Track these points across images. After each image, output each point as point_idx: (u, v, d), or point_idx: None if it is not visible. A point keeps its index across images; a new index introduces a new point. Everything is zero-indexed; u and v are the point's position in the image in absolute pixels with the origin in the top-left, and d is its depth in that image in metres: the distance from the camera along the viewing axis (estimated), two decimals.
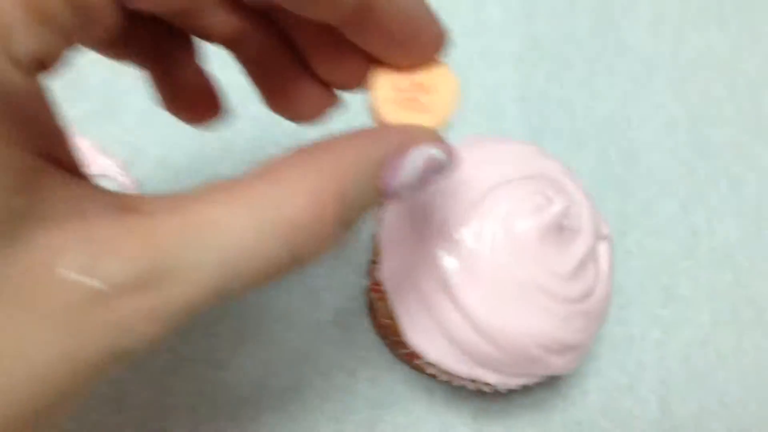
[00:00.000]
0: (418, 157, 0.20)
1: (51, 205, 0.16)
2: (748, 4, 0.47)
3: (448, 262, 0.28)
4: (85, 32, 0.17)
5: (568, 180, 0.30)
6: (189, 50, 0.24)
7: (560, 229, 0.28)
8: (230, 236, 0.17)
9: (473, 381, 0.31)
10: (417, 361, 0.31)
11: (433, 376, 0.32)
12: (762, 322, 0.39)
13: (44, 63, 0.16)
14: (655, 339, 0.38)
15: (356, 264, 0.36)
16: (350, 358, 0.35)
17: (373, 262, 0.32)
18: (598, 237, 0.30)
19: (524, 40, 0.43)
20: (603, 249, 0.30)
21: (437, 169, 0.20)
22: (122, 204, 0.17)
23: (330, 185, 0.18)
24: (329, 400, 0.34)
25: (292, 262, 0.18)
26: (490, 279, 0.27)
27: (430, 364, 0.30)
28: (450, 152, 0.21)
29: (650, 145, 0.42)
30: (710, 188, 0.41)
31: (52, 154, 0.17)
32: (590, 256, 0.29)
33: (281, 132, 0.38)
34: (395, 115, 0.21)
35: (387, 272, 0.30)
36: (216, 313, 0.34)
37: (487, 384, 0.31)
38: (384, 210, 0.31)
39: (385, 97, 0.21)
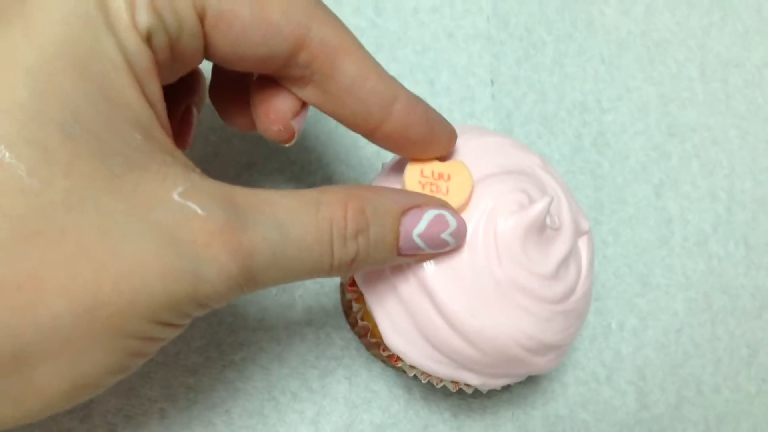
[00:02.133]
0: (434, 214, 0.25)
1: (161, 148, 0.20)
2: None
3: (427, 263, 0.27)
4: (175, 53, 0.22)
5: (547, 176, 0.29)
6: (193, 90, 0.28)
7: (542, 229, 0.27)
8: (282, 210, 0.21)
9: (454, 382, 0.30)
10: (397, 364, 0.30)
11: (414, 378, 0.31)
12: (735, 309, 0.39)
13: (152, 47, 0.21)
14: (632, 328, 0.38)
15: None
16: (325, 358, 0.34)
17: None
18: (579, 233, 0.29)
19: (492, 19, 0.42)
20: (583, 245, 0.30)
21: (447, 231, 0.25)
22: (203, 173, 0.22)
23: (356, 202, 0.23)
24: (305, 401, 0.33)
25: (326, 238, 0.22)
26: (470, 280, 0.26)
27: (411, 366, 0.29)
28: (461, 224, 0.26)
29: (622, 129, 0.41)
30: (683, 172, 0.41)
31: (157, 112, 0.21)
32: (571, 254, 0.28)
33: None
34: None
35: (363, 273, 0.28)
36: None
37: (469, 386, 0.30)
38: None
39: (413, 181, 0.26)
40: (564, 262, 0.28)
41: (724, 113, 0.43)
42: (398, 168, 0.29)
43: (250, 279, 0.21)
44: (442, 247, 0.25)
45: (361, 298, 0.29)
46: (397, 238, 0.24)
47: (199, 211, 0.20)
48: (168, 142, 0.21)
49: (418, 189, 0.26)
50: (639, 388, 0.37)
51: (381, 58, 0.38)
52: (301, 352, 0.34)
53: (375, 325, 0.29)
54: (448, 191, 0.26)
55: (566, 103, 0.41)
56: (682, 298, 0.39)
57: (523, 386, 0.35)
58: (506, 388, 0.34)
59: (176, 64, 0.22)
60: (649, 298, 0.38)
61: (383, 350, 0.30)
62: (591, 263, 0.30)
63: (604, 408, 0.36)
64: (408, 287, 0.27)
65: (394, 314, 0.28)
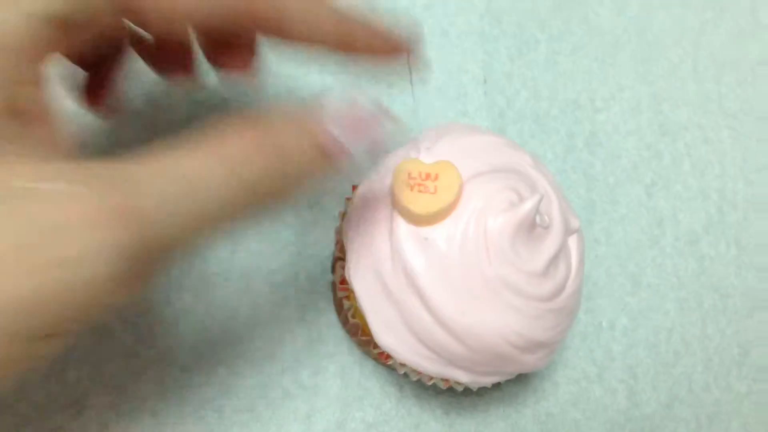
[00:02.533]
0: (343, 103, 0.23)
1: (15, 134, 0.19)
2: None
3: (417, 261, 0.27)
4: (81, 25, 0.21)
5: (538, 174, 0.29)
6: (121, 59, 0.28)
7: (532, 227, 0.27)
8: (180, 162, 0.19)
9: (445, 380, 0.30)
10: (388, 361, 0.30)
11: (404, 376, 0.32)
12: (726, 309, 0.39)
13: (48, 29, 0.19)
14: (623, 327, 0.38)
15: (320, 258, 0.35)
16: (318, 355, 0.34)
17: (339, 258, 0.31)
18: (569, 231, 0.30)
19: (486, 17, 0.42)
20: (573, 243, 0.30)
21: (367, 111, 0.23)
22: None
23: (260, 137, 0.21)
24: (297, 398, 0.33)
25: (229, 177, 0.20)
26: (459, 278, 0.26)
27: (401, 364, 0.30)
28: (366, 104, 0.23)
29: (615, 128, 0.41)
30: (674, 172, 0.41)
31: (20, 100, 0.19)
32: (561, 252, 0.29)
33: None
34: (408, 194, 0.26)
35: (355, 271, 0.29)
36: (179, 313, 0.33)
37: (459, 383, 0.30)
38: (348, 205, 0.30)
39: (400, 183, 0.27)
40: (553, 260, 0.28)
41: (717, 113, 0.43)
42: (387, 170, 0.29)
43: (144, 249, 0.18)
44: (367, 127, 0.23)
45: (351, 296, 0.30)
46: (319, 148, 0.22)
47: (68, 192, 0.17)
48: (34, 126, 0.19)
49: (406, 191, 0.26)
50: (630, 387, 0.37)
51: None
52: (293, 350, 0.34)
53: (366, 323, 0.29)
54: (436, 190, 0.26)
55: (559, 102, 0.41)
56: (673, 298, 0.39)
57: (514, 384, 0.35)
58: (497, 386, 0.34)
59: (85, 38, 0.22)
60: (641, 297, 0.38)
61: (374, 348, 0.30)
62: (581, 261, 0.30)
63: (595, 406, 0.36)
64: (398, 284, 0.27)
65: (384, 311, 0.28)
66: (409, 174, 0.27)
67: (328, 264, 0.35)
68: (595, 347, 0.37)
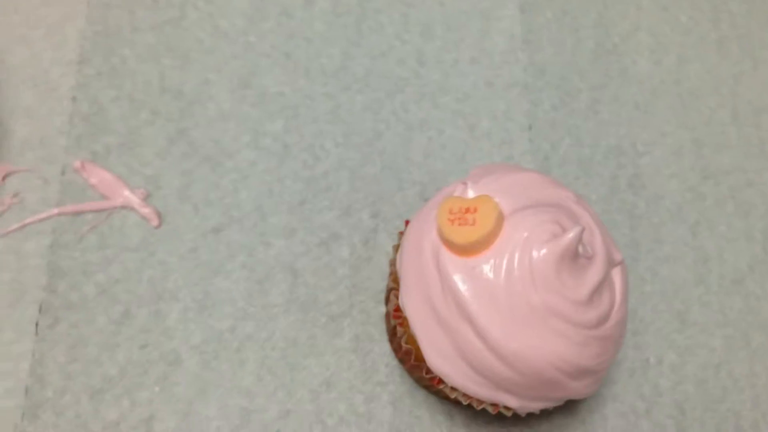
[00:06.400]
0: None
1: None
2: (747, 30, 0.48)
3: (466, 289, 0.29)
4: None
5: (581, 209, 0.31)
6: None
7: (575, 257, 0.28)
8: None
9: (494, 405, 0.31)
10: (439, 386, 0.32)
11: (456, 401, 0.33)
12: None
13: None
14: (670, 363, 0.38)
15: (374, 291, 0.37)
16: (371, 384, 0.35)
17: (393, 288, 0.33)
18: (612, 263, 0.31)
19: (529, 69, 0.44)
20: (617, 275, 0.31)
21: None
22: None
23: None
24: (352, 424, 0.35)
25: None
26: (507, 305, 0.28)
27: (452, 388, 0.31)
28: None
29: (657, 171, 0.43)
30: (718, 213, 0.42)
31: None
32: (605, 282, 0.30)
33: (300, 163, 0.39)
34: (449, 228, 0.29)
35: (407, 299, 0.30)
36: (243, 340, 0.35)
37: (508, 408, 0.31)
38: (403, 238, 0.32)
39: (443, 219, 0.29)
40: (597, 290, 0.29)
41: (759, 156, 0.44)
42: (435, 206, 0.31)
43: None
44: None
45: (404, 323, 0.31)
46: None
47: None
48: None
49: (447, 225, 0.29)
50: (678, 422, 0.37)
51: (423, 105, 0.41)
52: (348, 378, 0.35)
53: (418, 349, 0.31)
54: (475, 222, 0.28)
55: (602, 147, 0.43)
56: (720, 335, 0.39)
57: (562, 417, 0.36)
58: (546, 415, 0.35)
59: None
60: (687, 335, 0.39)
61: (426, 373, 0.32)
62: (625, 293, 0.31)
63: None
64: (449, 312, 0.29)
65: (436, 338, 0.30)
66: (450, 210, 0.29)
67: (381, 297, 0.37)
68: (643, 382, 0.38)
